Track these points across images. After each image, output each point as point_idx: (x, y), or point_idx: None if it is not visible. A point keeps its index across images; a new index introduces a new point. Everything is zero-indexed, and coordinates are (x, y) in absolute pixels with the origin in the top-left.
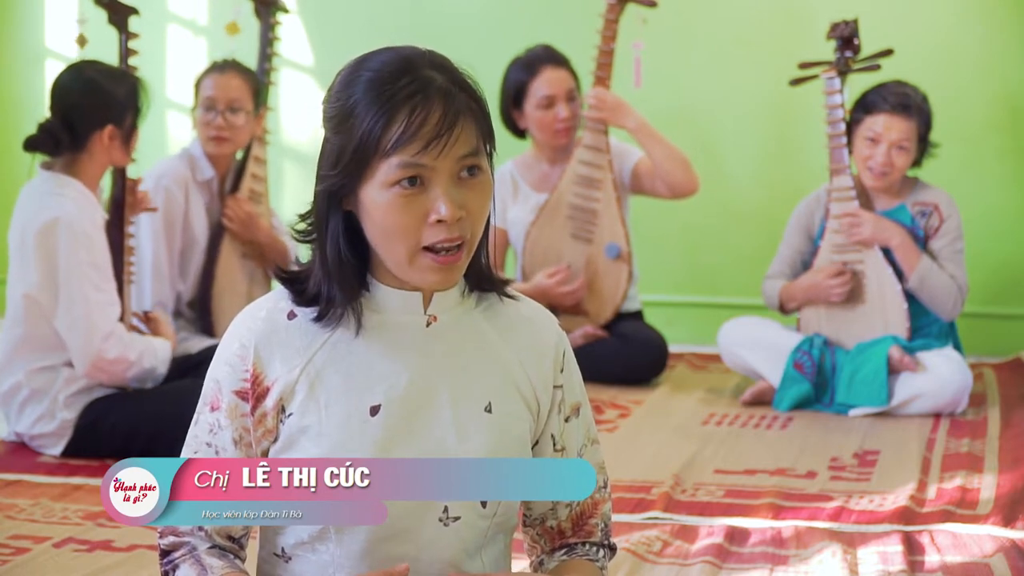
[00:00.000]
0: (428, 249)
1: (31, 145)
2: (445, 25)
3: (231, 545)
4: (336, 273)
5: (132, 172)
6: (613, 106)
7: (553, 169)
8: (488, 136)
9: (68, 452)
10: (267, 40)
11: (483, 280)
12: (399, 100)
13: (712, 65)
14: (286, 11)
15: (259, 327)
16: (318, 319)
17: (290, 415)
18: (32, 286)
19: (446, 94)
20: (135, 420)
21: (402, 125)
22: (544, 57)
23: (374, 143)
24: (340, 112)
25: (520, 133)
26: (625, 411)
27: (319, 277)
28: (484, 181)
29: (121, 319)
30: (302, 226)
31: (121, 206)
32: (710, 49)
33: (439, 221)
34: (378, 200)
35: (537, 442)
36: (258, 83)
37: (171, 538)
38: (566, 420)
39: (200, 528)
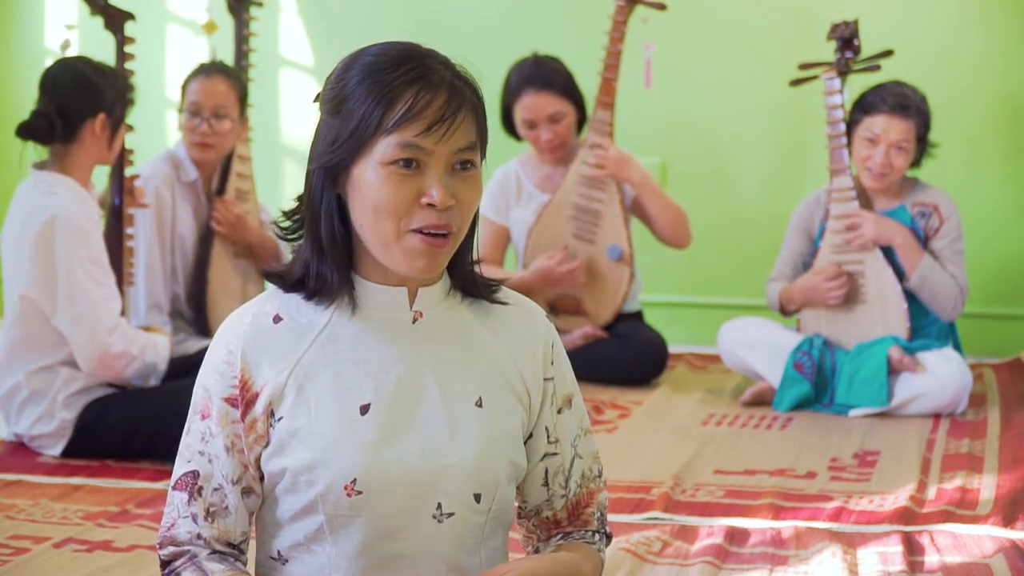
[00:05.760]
0: (415, 231)
1: (24, 131)
2: (447, 25)
3: (231, 551)
4: (330, 250)
5: (127, 173)
6: (617, 161)
7: (556, 169)
8: (483, 138)
9: (67, 452)
10: (242, 36)
11: (468, 284)
12: (403, 82)
13: (717, 66)
14: (260, 4)
15: (245, 332)
16: (309, 297)
17: (280, 419)
18: (29, 286)
19: (451, 84)
20: (134, 420)
21: (406, 104)
22: (528, 79)
23: (376, 121)
24: (339, 94)
25: (520, 137)
26: (625, 411)
27: (307, 257)
28: (476, 177)
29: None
30: (286, 223)
31: (120, 209)
32: (715, 50)
33: (430, 205)
34: (371, 177)
35: (531, 435)
36: (245, 87)
37: (171, 548)
38: (559, 412)
39: (199, 536)
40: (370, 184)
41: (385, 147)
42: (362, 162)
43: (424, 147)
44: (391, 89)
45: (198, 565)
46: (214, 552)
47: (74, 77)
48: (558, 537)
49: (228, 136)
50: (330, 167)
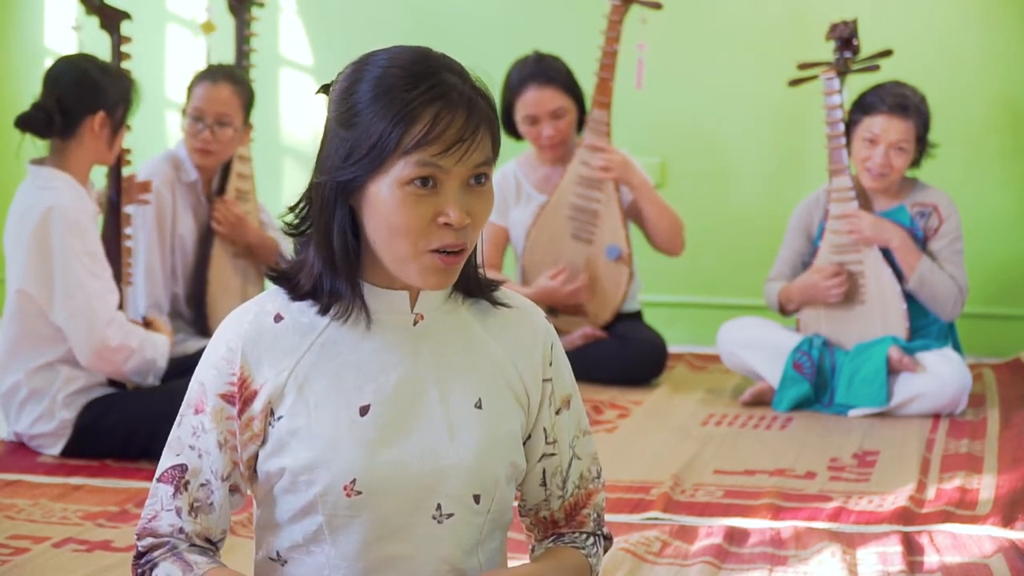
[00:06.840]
0: (433, 250)
1: (22, 122)
2: (447, 25)
3: (210, 547)
4: (343, 265)
5: (125, 173)
6: (619, 165)
7: (555, 169)
8: (497, 148)
9: (67, 452)
10: (243, 36)
11: (472, 286)
12: (422, 101)
13: (716, 66)
14: (261, 5)
15: (246, 331)
16: (323, 312)
17: (280, 418)
18: (25, 280)
19: (469, 101)
20: (134, 420)
21: (427, 126)
22: (532, 74)
23: (394, 141)
24: (352, 107)
25: (519, 136)
26: (625, 411)
27: (317, 270)
28: (489, 190)
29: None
30: (292, 218)
31: (118, 209)
32: (715, 50)
33: (446, 224)
34: (388, 197)
35: (529, 436)
36: (251, 93)
37: (150, 539)
38: (557, 412)
39: (180, 531)
40: (386, 203)
41: (403, 166)
42: (378, 180)
43: (442, 166)
44: (410, 109)
45: (179, 556)
46: (194, 546)
47: (77, 73)
48: (550, 539)
49: (229, 144)
50: (343, 182)
